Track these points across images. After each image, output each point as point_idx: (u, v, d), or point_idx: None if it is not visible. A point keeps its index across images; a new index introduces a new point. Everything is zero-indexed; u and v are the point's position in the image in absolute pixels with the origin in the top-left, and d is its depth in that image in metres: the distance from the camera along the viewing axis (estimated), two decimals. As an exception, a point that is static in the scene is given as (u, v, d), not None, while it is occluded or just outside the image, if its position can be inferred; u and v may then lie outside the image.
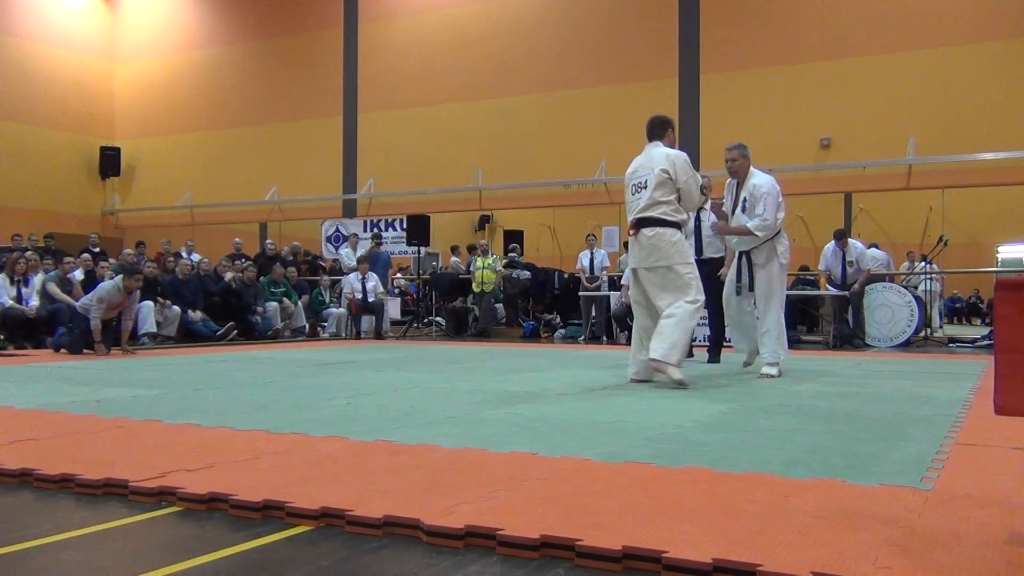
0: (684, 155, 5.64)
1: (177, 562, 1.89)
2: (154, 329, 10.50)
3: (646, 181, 5.54)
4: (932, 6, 12.27)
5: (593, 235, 12.82)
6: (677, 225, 5.55)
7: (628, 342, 10.56)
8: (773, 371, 6.09)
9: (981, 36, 11.95)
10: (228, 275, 12.15)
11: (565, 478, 2.62)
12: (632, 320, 6.00)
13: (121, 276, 8.62)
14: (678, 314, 5.36)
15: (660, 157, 5.54)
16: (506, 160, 15.02)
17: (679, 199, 5.54)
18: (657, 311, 5.53)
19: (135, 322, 9.49)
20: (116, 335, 8.65)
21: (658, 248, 5.46)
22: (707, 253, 7.48)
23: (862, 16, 12.67)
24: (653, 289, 5.53)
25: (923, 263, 11.48)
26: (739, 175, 6.40)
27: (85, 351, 8.49)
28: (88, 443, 3.24)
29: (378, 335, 12.43)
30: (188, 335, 10.98)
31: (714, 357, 7.59)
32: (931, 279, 11.63)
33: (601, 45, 14.42)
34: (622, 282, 11.13)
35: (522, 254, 14.32)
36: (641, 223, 5.52)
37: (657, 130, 5.76)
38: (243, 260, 13.34)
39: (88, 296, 8.66)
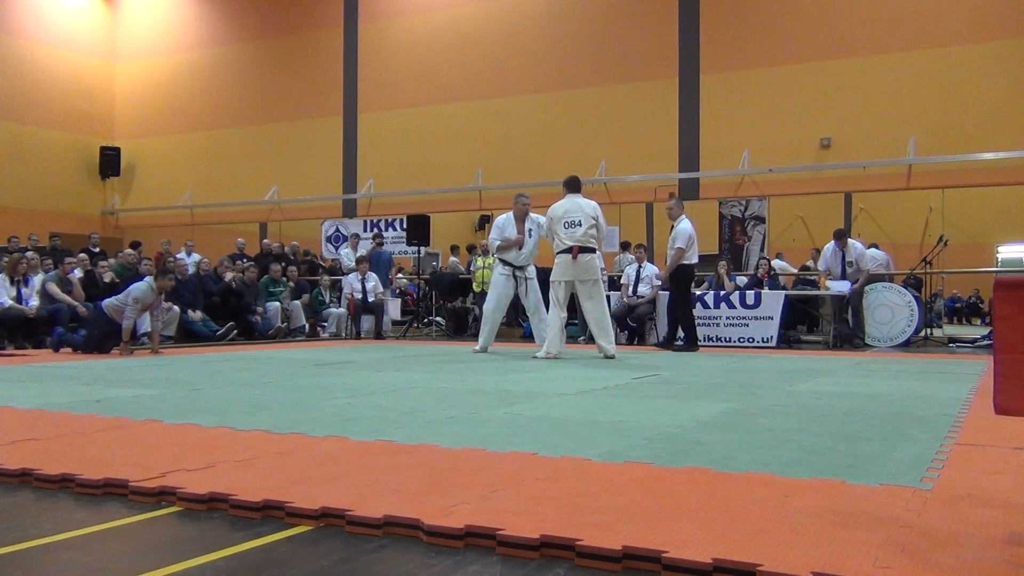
0: (597, 204, 8.07)
1: (177, 562, 1.89)
2: (154, 329, 10.48)
3: (579, 220, 7.77)
4: (932, 6, 12.27)
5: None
6: (595, 251, 7.99)
7: (628, 342, 10.67)
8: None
9: (981, 36, 11.95)
10: (228, 275, 12.15)
11: (565, 478, 2.62)
12: (632, 321, 7.15)
13: (153, 276, 8.64)
14: (608, 319, 8.02)
15: (587, 205, 7.91)
16: (506, 160, 15.02)
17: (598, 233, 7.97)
18: (580, 309, 8.17)
19: (135, 323, 9.47)
20: (118, 336, 8.64)
21: (591, 267, 7.85)
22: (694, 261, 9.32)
23: (862, 16, 12.66)
24: (583, 294, 7.89)
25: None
26: None
27: (95, 352, 8.47)
28: (88, 443, 3.24)
29: (378, 335, 12.43)
30: (188, 335, 10.98)
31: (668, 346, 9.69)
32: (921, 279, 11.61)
33: (601, 45, 14.41)
34: (622, 282, 11.15)
35: (522, 254, 14.28)
36: (581, 250, 7.78)
37: (576, 186, 8.11)
38: (244, 260, 13.33)
39: (118, 297, 8.58)
